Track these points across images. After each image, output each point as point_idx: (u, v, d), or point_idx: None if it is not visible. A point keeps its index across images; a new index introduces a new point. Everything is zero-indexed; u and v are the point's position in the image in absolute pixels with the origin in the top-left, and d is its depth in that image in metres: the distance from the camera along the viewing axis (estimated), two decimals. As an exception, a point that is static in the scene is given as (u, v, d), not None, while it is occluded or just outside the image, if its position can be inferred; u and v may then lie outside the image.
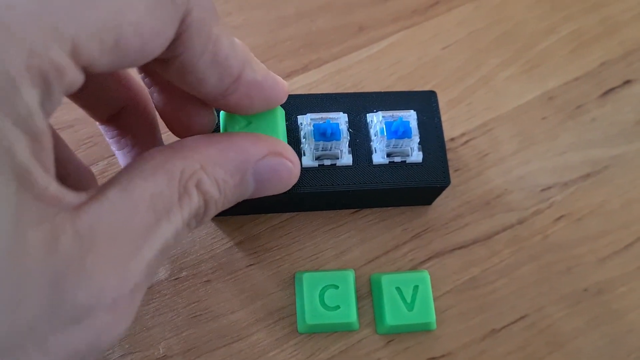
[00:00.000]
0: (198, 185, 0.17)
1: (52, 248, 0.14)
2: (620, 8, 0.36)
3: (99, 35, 0.14)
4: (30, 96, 0.13)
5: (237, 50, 0.19)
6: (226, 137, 0.20)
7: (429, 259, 0.29)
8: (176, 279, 0.27)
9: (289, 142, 0.26)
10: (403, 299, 0.27)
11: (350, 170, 0.26)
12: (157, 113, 0.23)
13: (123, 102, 0.23)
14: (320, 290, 0.26)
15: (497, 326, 0.28)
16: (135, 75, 0.22)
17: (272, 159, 0.20)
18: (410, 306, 0.27)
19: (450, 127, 0.32)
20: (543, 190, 0.31)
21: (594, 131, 0.33)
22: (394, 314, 0.26)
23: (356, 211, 0.30)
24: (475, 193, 0.30)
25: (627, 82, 0.34)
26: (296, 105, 0.27)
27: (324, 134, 0.25)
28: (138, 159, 0.17)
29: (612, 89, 0.34)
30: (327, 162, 0.26)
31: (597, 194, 0.31)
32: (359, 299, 0.28)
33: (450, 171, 0.31)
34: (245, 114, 0.22)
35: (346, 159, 0.26)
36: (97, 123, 0.23)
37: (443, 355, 0.27)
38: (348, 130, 0.27)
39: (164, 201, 0.16)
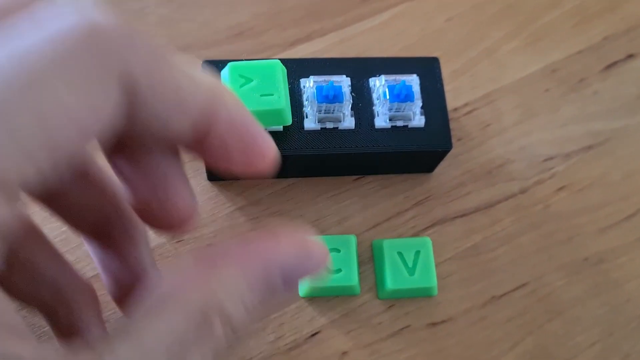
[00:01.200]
0: (221, 313, 0.15)
1: None
2: (624, -17, 0.36)
3: (27, 154, 0.11)
4: None
5: (199, 82, 0.15)
6: (245, 245, 0.16)
7: (431, 226, 0.29)
8: (178, 241, 0.27)
9: (292, 106, 0.26)
10: (405, 263, 0.27)
11: (353, 134, 0.26)
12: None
13: (106, 211, 0.19)
14: None
15: (498, 293, 0.28)
16: (116, 183, 0.19)
17: (299, 256, 0.17)
18: (412, 271, 0.27)
19: (454, 97, 0.32)
20: (545, 160, 0.31)
21: (596, 104, 0.33)
22: (395, 278, 0.26)
23: (358, 178, 0.30)
24: (477, 162, 0.31)
25: (630, 56, 0.34)
26: (300, 69, 0.27)
27: (327, 96, 0.25)
28: (145, 291, 0.15)
29: (614, 63, 0.34)
30: (329, 125, 0.26)
31: (598, 166, 0.31)
32: (360, 264, 0.28)
33: (453, 140, 0.30)
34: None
35: (348, 122, 0.26)
36: (82, 238, 0.20)
37: (444, 321, 0.27)
38: (351, 93, 0.27)
39: (180, 345, 0.14)
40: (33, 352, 0.12)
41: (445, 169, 0.30)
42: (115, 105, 0.13)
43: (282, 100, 0.25)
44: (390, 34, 0.33)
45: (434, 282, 0.27)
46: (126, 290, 0.19)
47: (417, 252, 0.27)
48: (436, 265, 0.28)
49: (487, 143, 0.31)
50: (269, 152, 0.16)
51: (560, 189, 0.31)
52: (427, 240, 0.27)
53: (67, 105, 0.12)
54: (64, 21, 0.12)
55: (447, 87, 0.32)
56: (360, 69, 0.27)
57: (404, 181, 0.30)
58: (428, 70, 0.28)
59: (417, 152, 0.27)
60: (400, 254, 0.27)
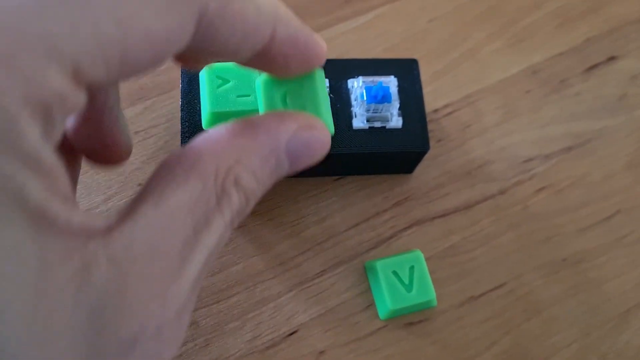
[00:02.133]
0: (237, 183, 0.16)
1: (85, 282, 0.13)
2: (607, -15, 0.36)
3: (103, 51, 0.12)
4: (33, 131, 0.12)
5: (264, 12, 0.17)
6: (251, 122, 0.18)
7: (410, 226, 0.29)
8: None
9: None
10: (401, 281, 0.27)
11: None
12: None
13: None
14: None
15: (476, 293, 0.28)
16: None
17: (303, 133, 0.19)
18: (409, 287, 0.27)
19: (434, 99, 0.32)
20: (525, 161, 0.31)
21: (577, 105, 0.33)
22: (394, 298, 0.26)
23: (338, 179, 0.30)
24: (457, 163, 0.31)
25: (611, 58, 0.34)
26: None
27: (305, 97, 0.25)
28: (164, 165, 0.16)
29: (596, 65, 0.34)
30: (307, 126, 0.26)
31: (578, 166, 0.31)
32: (341, 265, 0.28)
33: (433, 141, 0.31)
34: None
35: (326, 123, 0.26)
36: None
37: (421, 321, 0.28)
38: (329, 95, 0.27)
39: (201, 209, 0.15)
40: (81, 216, 0.13)
41: (424, 170, 0.30)
42: (187, 33, 0.14)
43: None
44: (373, 34, 0.33)
45: (432, 294, 0.27)
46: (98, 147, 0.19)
47: (412, 268, 0.27)
48: (414, 265, 0.28)
49: (467, 144, 0.31)
50: (322, 52, 0.19)
51: (540, 189, 0.31)
52: (418, 254, 0.27)
53: (146, 22, 0.13)
54: None
55: (429, 88, 0.32)
56: (339, 71, 0.27)
57: (384, 182, 0.30)
58: (406, 71, 0.28)
59: (394, 153, 0.27)
60: (395, 272, 0.27)
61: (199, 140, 0.17)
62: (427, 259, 0.28)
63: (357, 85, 0.27)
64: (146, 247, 0.14)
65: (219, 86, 0.25)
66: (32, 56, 0.11)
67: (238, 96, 0.25)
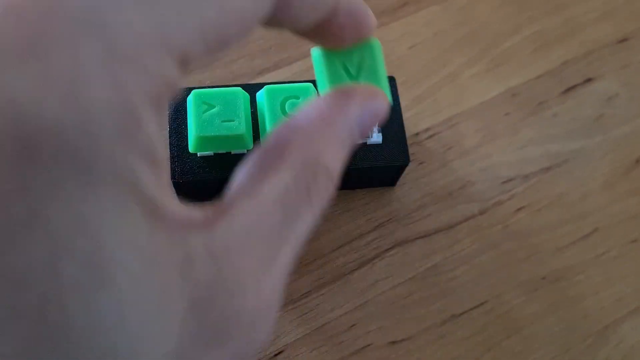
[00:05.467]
0: (326, 169, 0.17)
1: (187, 275, 0.13)
2: (583, 10, 0.37)
3: (204, 35, 0.13)
4: (151, 123, 0.13)
5: None
6: (325, 105, 0.19)
7: (392, 247, 0.30)
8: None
9: (256, 130, 0.28)
10: (348, 73, 0.21)
11: None
12: None
13: None
14: None
15: (457, 311, 0.29)
16: None
17: (369, 105, 0.19)
18: (356, 77, 0.21)
19: (416, 123, 0.33)
20: (504, 182, 0.32)
21: (555, 127, 0.34)
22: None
23: (323, 201, 0.31)
24: (438, 184, 0.32)
25: (588, 80, 0.36)
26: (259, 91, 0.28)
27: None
28: (253, 159, 0.17)
29: (573, 87, 0.35)
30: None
31: (556, 186, 0.32)
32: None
33: (415, 164, 0.32)
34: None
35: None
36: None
37: (403, 339, 0.28)
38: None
39: (292, 200, 0.16)
40: (183, 209, 0.14)
41: (407, 192, 0.31)
42: (269, 4, 0.15)
43: (242, 126, 0.26)
44: (356, 61, 0.34)
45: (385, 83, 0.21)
46: None
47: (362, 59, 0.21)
48: (397, 285, 0.29)
49: (448, 166, 0.32)
50: (373, 23, 0.20)
51: (519, 209, 0.32)
52: (375, 43, 0.21)
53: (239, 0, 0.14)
54: None
55: (410, 112, 0.33)
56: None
57: (367, 204, 0.31)
58: None
59: (376, 168, 0.28)
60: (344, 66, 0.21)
61: (283, 132, 0.17)
62: (409, 279, 0.29)
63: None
64: (241, 241, 0.14)
65: (204, 111, 0.26)
66: (151, 51, 0.12)
67: (222, 121, 0.26)
